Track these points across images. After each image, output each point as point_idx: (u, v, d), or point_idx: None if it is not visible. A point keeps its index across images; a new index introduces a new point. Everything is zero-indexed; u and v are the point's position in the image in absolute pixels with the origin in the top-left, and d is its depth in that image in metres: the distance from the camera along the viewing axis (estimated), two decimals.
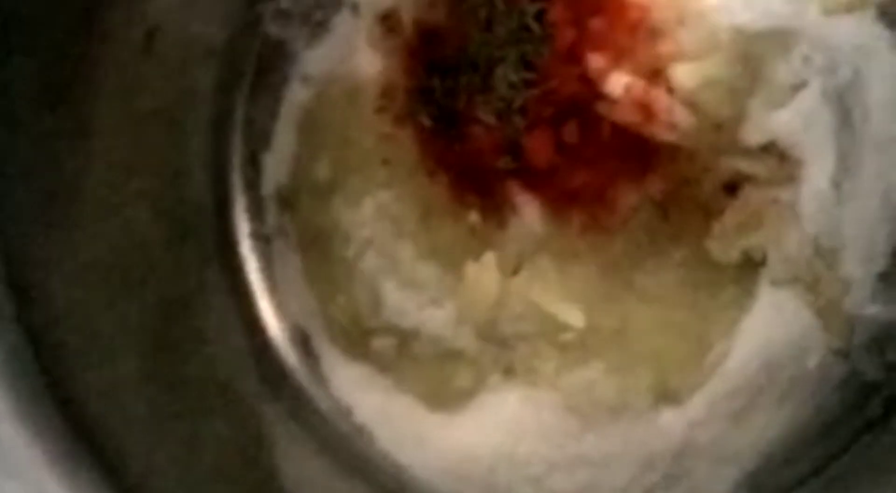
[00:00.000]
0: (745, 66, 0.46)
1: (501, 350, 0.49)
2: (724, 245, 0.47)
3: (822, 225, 0.46)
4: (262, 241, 0.52)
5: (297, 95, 0.51)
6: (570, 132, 0.47)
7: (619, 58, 0.46)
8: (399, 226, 0.49)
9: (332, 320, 0.51)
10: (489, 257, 0.48)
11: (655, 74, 0.46)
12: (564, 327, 0.48)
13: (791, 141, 0.46)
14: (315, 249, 0.51)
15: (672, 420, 0.48)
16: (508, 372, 0.49)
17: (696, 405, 0.47)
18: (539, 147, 0.47)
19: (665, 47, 0.46)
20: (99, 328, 0.43)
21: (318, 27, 0.51)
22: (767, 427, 0.48)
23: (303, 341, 0.52)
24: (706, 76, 0.46)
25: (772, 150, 0.46)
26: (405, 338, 0.50)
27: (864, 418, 0.48)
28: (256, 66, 0.52)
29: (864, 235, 0.47)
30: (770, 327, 0.47)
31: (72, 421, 0.38)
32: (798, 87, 0.46)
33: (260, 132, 0.52)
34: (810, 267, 0.47)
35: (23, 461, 0.36)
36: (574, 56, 0.46)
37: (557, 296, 0.48)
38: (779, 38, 0.46)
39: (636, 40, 0.46)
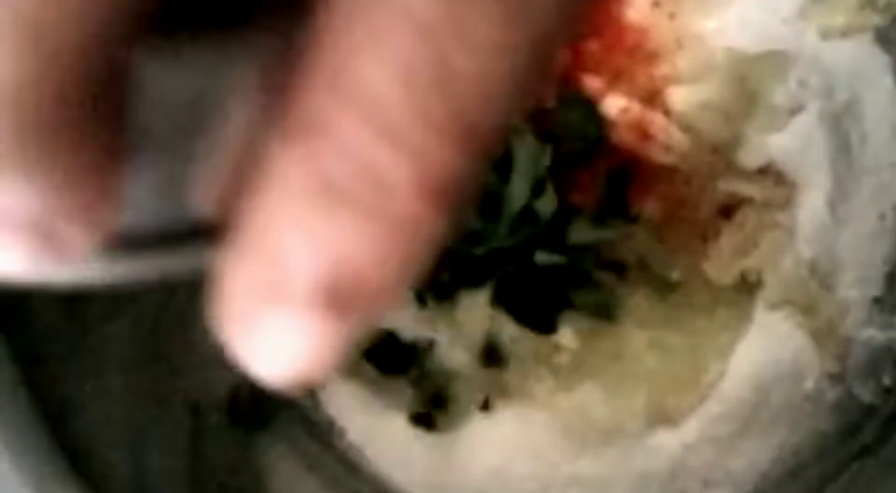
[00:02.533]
0: (742, 89, 0.46)
1: (495, 371, 0.49)
2: (720, 267, 0.47)
3: (818, 248, 0.46)
4: None
5: None
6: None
7: (616, 80, 0.46)
8: None
9: None
10: None
11: (652, 97, 0.46)
12: (558, 349, 0.48)
13: (788, 164, 0.46)
14: None
15: (666, 442, 0.47)
16: (502, 393, 0.49)
17: (691, 427, 0.47)
18: None
19: (662, 70, 0.46)
20: (87, 343, 0.43)
21: None
22: (762, 450, 0.47)
23: None
24: (703, 99, 0.46)
25: (768, 172, 0.46)
26: None
27: (859, 441, 0.47)
28: None
29: (859, 258, 0.47)
30: (765, 350, 0.47)
31: (57, 436, 0.38)
32: (795, 110, 0.46)
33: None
34: (806, 290, 0.46)
35: (3, 476, 0.36)
36: (570, 78, 0.46)
37: None
38: (776, 62, 0.46)
39: (633, 63, 0.46)
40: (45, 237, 0.12)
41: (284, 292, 0.13)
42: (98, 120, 0.12)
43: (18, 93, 0.11)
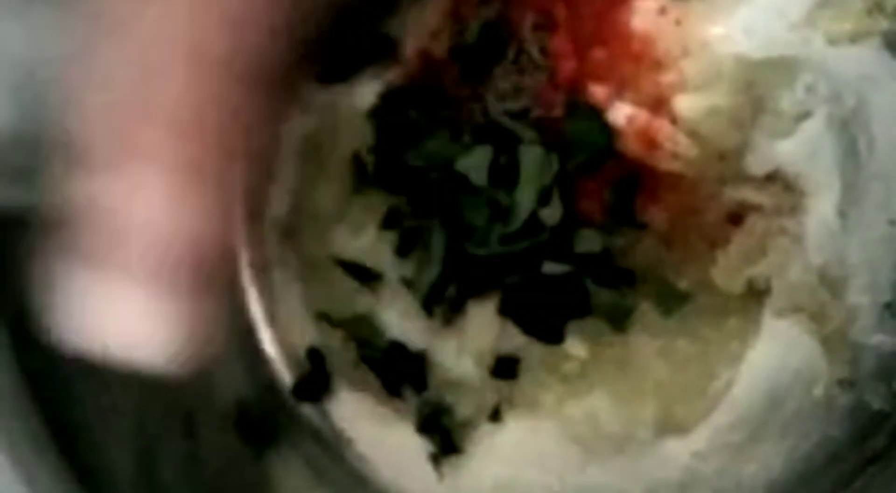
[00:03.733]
0: (749, 95, 0.46)
1: (503, 380, 0.48)
2: (728, 275, 0.47)
3: (827, 254, 0.46)
4: (262, 270, 0.52)
5: (298, 124, 0.51)
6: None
7: (622, 88, 0.46)
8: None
9: (333, 350, 0.51)
10: None
11: (659, 105, 0.46)
12: (567, 358, 0.48)
13: (796, 170, 0.46)
14: (316, 278, 0.51)
15: (676, 451, 0.47)
16: (510, 402, 0.49)
17: (701, 436, 0.47)
18: None
19: (668, 77, 0.46)
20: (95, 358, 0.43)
21: None
22: (772, 458, 0.47)
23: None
24: (709, 106, 0.46)
25: (776, 179, 0.46)
26: None
27: (871, 448, 0.47)
28: None
29: (869, 264, 0.46)
30: (775, 357, 0.47)
31: (66, 454, 0.38)
32: (802, 116, 0.46)
33: (261, 162, 0.52)
34: (815, 296, 0.46)
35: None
36: (576, 86, 0.46)
37: None
38: (783, 67, 0.46)
39: (640, 71, 0.46)
40: None
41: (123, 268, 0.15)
42: None
43: None
